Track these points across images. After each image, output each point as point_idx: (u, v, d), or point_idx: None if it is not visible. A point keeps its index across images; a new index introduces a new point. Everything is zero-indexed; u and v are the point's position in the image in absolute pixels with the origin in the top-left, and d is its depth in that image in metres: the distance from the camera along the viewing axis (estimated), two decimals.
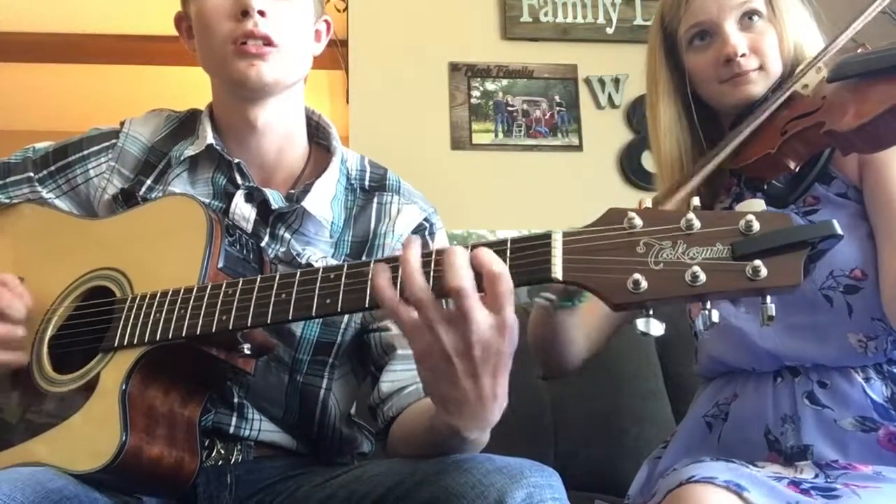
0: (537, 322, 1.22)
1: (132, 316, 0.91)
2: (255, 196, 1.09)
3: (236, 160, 1.09)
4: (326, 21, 1.17)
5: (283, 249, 1.08)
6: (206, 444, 1.02)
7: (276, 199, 1.08)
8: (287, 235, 1.10)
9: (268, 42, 1.03)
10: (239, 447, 1.04)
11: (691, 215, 0.69)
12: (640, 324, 0.69)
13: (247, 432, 1.04)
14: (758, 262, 0.65)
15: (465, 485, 0.79)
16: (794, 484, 0.94)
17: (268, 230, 1.09)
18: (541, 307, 1.17)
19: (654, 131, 1.25)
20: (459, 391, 0.76)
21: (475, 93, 2.56)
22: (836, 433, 1.05)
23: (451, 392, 0.77)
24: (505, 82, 2.59)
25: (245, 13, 1.02)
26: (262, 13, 1.02)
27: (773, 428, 1.09)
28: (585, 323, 1.24)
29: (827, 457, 1.03)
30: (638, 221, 0.70)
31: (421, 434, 0.92)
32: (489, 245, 0.75)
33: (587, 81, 2.62)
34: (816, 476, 0.99)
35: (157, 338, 0.88)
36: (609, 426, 1.65)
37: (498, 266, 0.72)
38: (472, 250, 0.74)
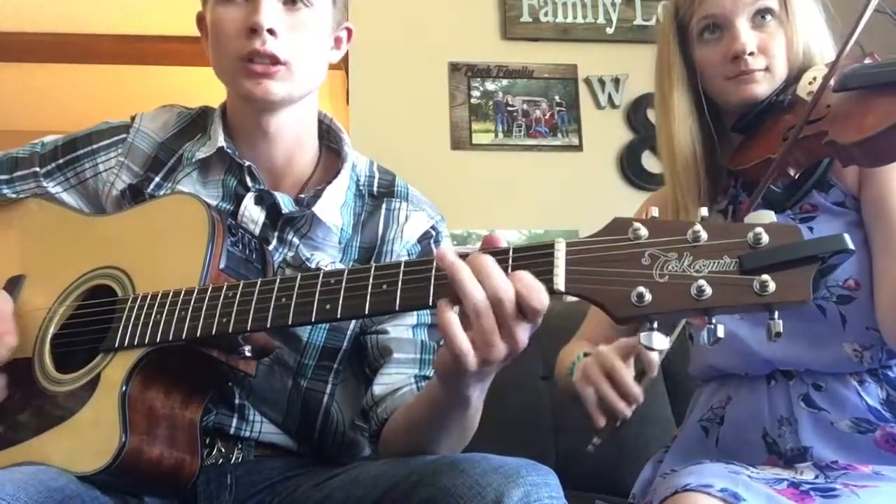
0: (568, 390, 1.19)
1: (133, 317, 0.91)
2: (265, 199, 1.09)
3: (247, 163, 1.09)
4: (348, 28, 1.15)
5: (291, 254, 1.08)
6: (207, 443, 1.02)
7: (286, 204, 1.07)
8: (296, 240, 1.09)
9: (275, 61, 1.02)
10: (239, 447, 1.04)
11: (698, 227, 0.67)
12: (644, 338, 0.68)
13: (248, 433, 1.04)
14: (766, 277, 0.63)
15: (462, 485, 0.79)
16: (794, 486, 0.94)
17: (276, 234, 1.08)
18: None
19: (665, 124, 1.21)
20: (476, 374, 0.78)
21: (475, 93, 2.56)
22: (833, 434, 1.04)
23: (465, 376, 0.79)
24: (505, 82, 2.59)
25: (253, 30, 1.01)
26: (271, 31, 1.01)
27: (771, 430, 1.09)
28: (593, 341, 1.24)
29: (826, 458, 1.03)
30: (643, 232, 0.69)
31: (423, 415, 0.94)
32: (493, 253, 0.74)
33: (587, 81, 2.62)
34: (816, 477, 0.98)
35: (158, 339, 0.88)
36: None
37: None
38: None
